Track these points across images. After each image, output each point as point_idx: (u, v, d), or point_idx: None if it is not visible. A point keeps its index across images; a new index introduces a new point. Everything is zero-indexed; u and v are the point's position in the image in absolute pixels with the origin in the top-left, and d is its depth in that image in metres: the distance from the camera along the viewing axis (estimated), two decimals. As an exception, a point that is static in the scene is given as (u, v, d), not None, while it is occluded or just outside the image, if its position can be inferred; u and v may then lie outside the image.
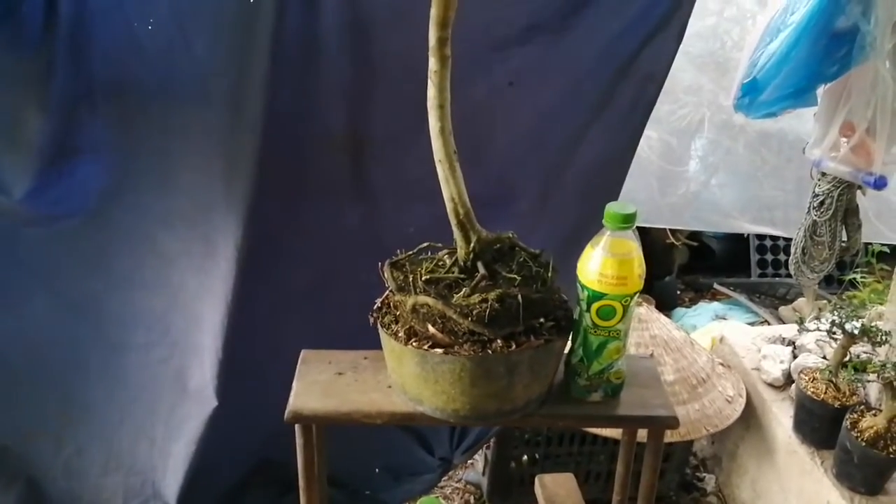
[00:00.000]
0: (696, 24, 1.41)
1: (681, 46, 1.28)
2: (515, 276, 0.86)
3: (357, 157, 1.28)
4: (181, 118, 1.19)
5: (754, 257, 3.09)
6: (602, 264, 0.84)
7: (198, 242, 1.27)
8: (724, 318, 2.66)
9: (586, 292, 0.86)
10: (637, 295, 0.87)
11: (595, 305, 0.85)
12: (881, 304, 1.49)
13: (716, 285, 3.02)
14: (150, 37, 1.12)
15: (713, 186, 2.11)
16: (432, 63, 0.83)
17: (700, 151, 2.04)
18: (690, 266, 3.07)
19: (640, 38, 1.25)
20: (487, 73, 1.24)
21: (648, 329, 1.76)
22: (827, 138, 1.14)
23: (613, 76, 1.28)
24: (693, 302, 2.97)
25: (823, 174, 1.22)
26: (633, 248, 0.85)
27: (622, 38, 1.24)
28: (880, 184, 1.09)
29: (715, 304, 2.86)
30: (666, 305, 2.77)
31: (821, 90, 1.13)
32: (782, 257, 3.11)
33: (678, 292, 3.05)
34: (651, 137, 1.87)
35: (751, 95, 1.14)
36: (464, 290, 0.83)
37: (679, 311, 2.83)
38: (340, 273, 1.34)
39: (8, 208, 1.22)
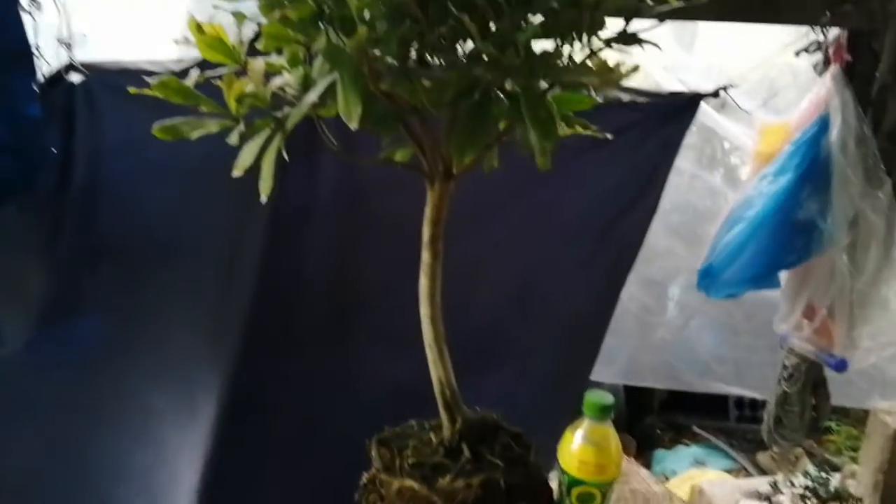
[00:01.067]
0: (671, 195, 1.50)
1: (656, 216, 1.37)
2: (499, 461, 0.90)
3: (343, 310, 1.33)
4: (177, 278, 1.25)
5: (732, 397, 3.13)
6: (581, 451, 0.88)
7: (183, 398, 1.30)
8: (703, 464, 2.68)
9: (566, 477, 0.89)
10: (615, 482, 0.91)
11: (575, 491, 0.89)
12: (856, 451, 1.52)
13: (695, 428, 3.04)
14: (154, 203, 1.20)
15: (691, 329, 2.17)
16: (425, 256, 0.90)
17: (677, 295, 2.11)
18: (670, 403, 3.10)
19: (617, 209, 1.34)
20: (476, 235, 1.31)
21: (629, 483, 1.77)
22: (791, 317, 1.21)
23: (592, 242, 1.37)
24: (673, 443, 2.99)
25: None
26: (612, 435, 0.90)
27: (601, 208, 1.33)
28: (841, 366, 1.15)
29: (694, 448, 2.88)
30: (647, 446, 2.79)
31: (783, 273, 1.21)
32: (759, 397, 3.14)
33: (658, 432, 3.07)
34: (630, 291, 1.94)
35: (706, 280, 1.21)
36: (448, 475, 0.87)
37: (659, 453, 2.84)
38: (323, 424, 1.37)
39: (2, 357, 1.25)
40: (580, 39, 0.73)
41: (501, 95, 0.71)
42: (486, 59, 0.66)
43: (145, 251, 1.23)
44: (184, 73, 1.06)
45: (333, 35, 0.65)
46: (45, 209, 1.17)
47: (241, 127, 0.76)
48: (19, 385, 1.29)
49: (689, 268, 1.86)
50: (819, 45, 1.15)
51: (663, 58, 1.33)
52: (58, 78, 1.06)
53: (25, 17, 1.00)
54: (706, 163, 1.55)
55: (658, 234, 1.74)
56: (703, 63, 1.49)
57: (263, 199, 0.75)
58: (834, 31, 1.14)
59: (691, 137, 1.38)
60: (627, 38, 0.74)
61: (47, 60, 1.05)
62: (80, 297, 1.24)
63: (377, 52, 0.67)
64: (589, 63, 0.75)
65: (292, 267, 1.26)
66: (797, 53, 1.17)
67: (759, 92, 1.38)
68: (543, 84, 0.68)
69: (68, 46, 1.04)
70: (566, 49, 0.71)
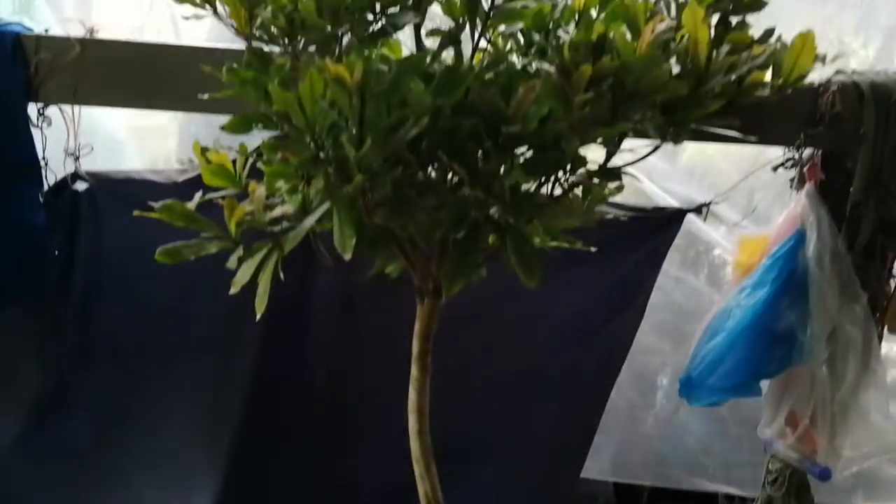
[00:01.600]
0: (657, 295, 1.53)
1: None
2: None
3: (337, 414, 1.35)
4: (172, 378, 1.27)
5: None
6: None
7: (177, 495, 1.31)
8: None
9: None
10: None
11: None
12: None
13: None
14: (152, 306, 1.23)
15: (680, 417, 2.18)
16: (414, 370, 0.93)
17: (666, 385, 2.12)
18: (660, 493, 3.07)
19: (605, 316, 1.37)
20: (463, 339, 1.34)
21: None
22: (775, 424, 1.23)
23: (580, 347, 1.39)
24: (663, 533, 2.96)
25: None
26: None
27: (588, 315, 1.36)
28: (825, 475, 1.17)
29: (684, 539, 2.85)
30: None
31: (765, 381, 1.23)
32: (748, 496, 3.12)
33: (648, 522, 3.04)
34: (618, 386, 1.95)
35: (687, 389, 1.24)
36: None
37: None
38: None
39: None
40: (564, 176, 0.77)
41: (490, 219, 0.76)
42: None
43: (142, 351, 1.25)
44: (187, 185, 1.13)
45: (331, 174, 0.69)
46: (44, 310, 1.19)
47: (240, 251, 0.80)
48: (13, 477, 1.30)
49: (676, 362, 1.89)
50: (795, 162, 1.20)
51: (646, 166, 1.38)
52: (63, 186, 1.10)
53: (35, 131, 1.05)
54: (690, 265, 1.59)
55: (645, 332, 1.76)
56: (687, 172, 1.54)
57: (258, 316, 0.78)
58: (809, 150, 1.19)
59: (675, 240, 1.42)
60: (609, 173, 0.78)
61: (54, 171, 1.09)
62: (76, 392, 1.26)
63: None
64: (574, 195, 0.80)
65: (287, 371, 1.29)
66: (774, 169, 1.22)
67: (741, 202, 1.43)
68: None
69: (76, 158, 1.08)
70: (549, 186, 0.76)
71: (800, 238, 1.16)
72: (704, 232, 1.42)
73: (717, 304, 1.32)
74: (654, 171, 1.45)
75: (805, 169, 1.18)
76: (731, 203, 1.40)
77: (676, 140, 0.71)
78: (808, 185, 1.17)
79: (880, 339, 1.23)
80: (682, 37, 0.64)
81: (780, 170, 1.23)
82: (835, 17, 1.76)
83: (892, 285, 1.22)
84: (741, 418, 1.92)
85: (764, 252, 1.21)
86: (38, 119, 1.04)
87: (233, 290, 0.79)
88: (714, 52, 0.63)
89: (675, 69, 0.69)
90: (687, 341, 1.64)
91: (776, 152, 1.23)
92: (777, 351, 1.16)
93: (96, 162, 1.13)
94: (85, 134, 1.09)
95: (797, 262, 1.16)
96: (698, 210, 1.25)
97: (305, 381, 1.31)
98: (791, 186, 1.22)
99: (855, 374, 1.15)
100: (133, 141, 1.82)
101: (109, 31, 1.08)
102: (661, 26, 0.60)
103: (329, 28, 0.78)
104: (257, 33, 0.80)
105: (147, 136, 1.80)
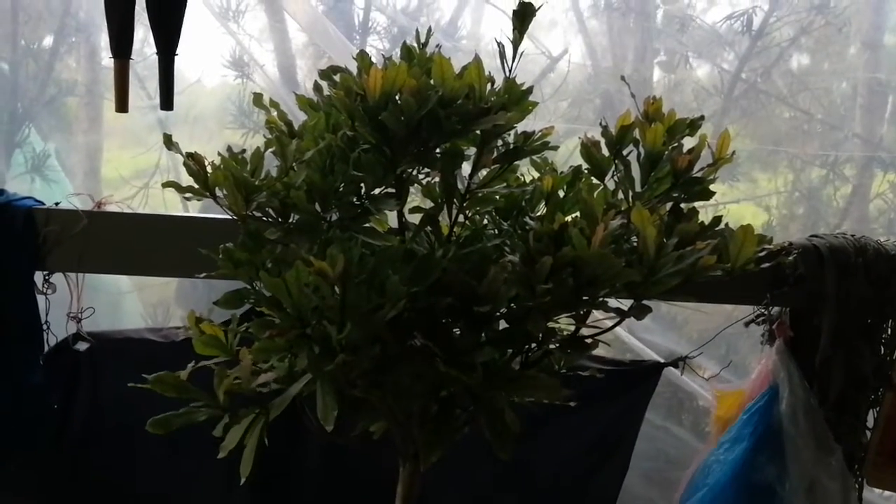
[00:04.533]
0: (642, 444, 1.55)
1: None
2: None
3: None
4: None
5: None
6: None
7: None
8: None
9: None
10: None
11: None
12: None
13: None
14: (145, 458, 1.25)
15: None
16: None
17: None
18: None
19: (587, 470, 1.38)
20: (444, 496, 1.34)
21: None
22: (762, 580, 1.23)
23: (564, 500, 1.40)
24: None
25: None
26: None
27: (570, 470, 1.37)
28: None
29: None
30: None
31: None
32: None
33: None
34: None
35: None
36: None
37: None
38: None
39: None
40: (535, 347, 0.82)
41: (467, 389, 0.80)
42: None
43: (137, 501, 1.27)
44: (183, 344, 1.17)
45: (315, 351, 0.74)
46: (39, 464, 1.21)
47: (226, 419, 0.84)
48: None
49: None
50: (765, 319, 1.25)
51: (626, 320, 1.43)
52: (64, 347, 1.15)
53: (39, 297, 1.10)
54: (673, 414, 1.63)
55: (631, 480, 1.77)
56: (667, 323, 1.60)
57: (242, 480, 0.81)
58: (778, 308, 1.24)
59: (658, 389, 1.46)
60: (579, 345, 0.84)
61: (54, 333, 1.14)
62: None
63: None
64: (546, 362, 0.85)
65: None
66: (746, 325, 1.27)
67: (720, 353, 1.48)
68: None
69: (78, 320, 1.13)
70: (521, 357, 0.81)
71: (773, 393, 1.20)
72: (686, 383, 1.46)
73: (699, 455, 1.34)
74: (633, 324, 1.51)
75: (774, 326, 1.23)
76: (710, 354, 1.45)
77: (638, 317, 0.77)
78: (777, 342, 1.22)
79: (860, 491, 1.25)
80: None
81: (754, 325, 1.28)
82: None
83: (867, 437, 1.25)
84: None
85: (741, 406, 1.25)
86: (43, 286, 1.09)
87: (221, 455, 0.83)
88: (665, 242, 0.70)
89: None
90: (672, 488, 1.65)
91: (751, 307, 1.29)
92: (760, 501, 1.18)
93: (98, 313, 1.18)
94: (90, 282, 1.15)
95: (772, 416, 1.19)
96: (675, 364, 1.29)
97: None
98: (762, 342, 1.27)
99: (835, 529, 1.16)
100: (135, 289, 1.89)
101: (117, 193, 1.16)
102: (614, 223, 0.67)
103: (319, 211, 0.85)
104: (253, 213, 0.87)
105: (148, 283, 1.87)
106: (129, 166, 1.92)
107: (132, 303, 1.90)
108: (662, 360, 1.33)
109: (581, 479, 1.38)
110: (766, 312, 1.25)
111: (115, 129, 1.93)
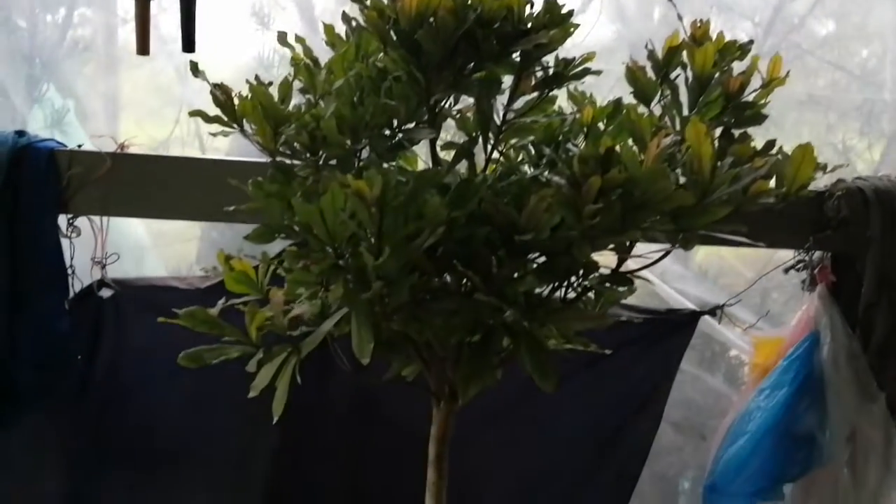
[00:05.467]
0: (674, 393, 1.52)
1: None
2: None
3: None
4: (190, 477, 1.27)
5: None
6: None
7: None
8: None
9: None
10: None
11: None
12: None
13: None
14: (171, 407, 1.24)
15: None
16: (431, 475, 0.92)
17: (688, 489, 2.07)
18: None
19: (620, 420, 1.36)
20: (479, 442, 1.33)
21: None
22: (799, 528, 1.21)
23: (595, 453, 1.37)
24: None
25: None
26: None
27: (603, 420, 1.35)
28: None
29: None
30: None
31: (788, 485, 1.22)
32: None
33: None
34: (640, 489, 1.92)
35: (712, 496, 1.22)
36: None
37: None
38: None
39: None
40: (576, 280, 0.79)
41: (504, 324, 0.77)
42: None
43: (158, 453, 1.26)
44: (208, 291, 1.15)
45: (350, 282, 0.71)
46: (64, 413, 1.20)
47: (260, 354, 0.81)
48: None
49: (697, 463, 1.86)
50: (805, 265, 1.21)
51: (660, 268, 1.39)
52: (89, 293, 1.13)
53: (64, 241, 1.08)
54: (707, 365, 1.60)
55: (663, 430, 1.74)
56: (701, 274, 1.57)
57: (275, 418, 0.79)
58: (819, 253, 1.21)
59: (692, 340, 1.43)
60: (621, 278, 0.80)
61: (80, 278, 1.12)
62: (95, 492, 1.26)
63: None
64: (587, 298, 0.82)
65: (304, 474, 1.28)
66: (786, 271, 1.24)
67: (756, 303, 1.44)
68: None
69: (102, 266, 1.11)
70: (562, 291, 0.78)
71: (814, 339, 1.17)
72: (720, 333, 1.42)
73: (735, 405, 1.32)
74: (667, 274, 1.47)
75: (816, 271, 1.19)
76: (746, 304, 1.42)
77: (686, 246, 0.73)
78: (819, 287, 1.18)
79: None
80: (688, 149, 0.67)
81: (793, 271, 1.25)
82: (839, 124, 1.82)
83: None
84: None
85: (780, 353, 1.22)
86: (67, 230, 1.07)
87: (252, 394, 0.81)
88: (718, 164, 0.66)
89: (683, 179, 0.71)
90: (706, 439, 1.63)
91: (789, 253, 1.25)
92: (798, 454, 1.16)
93: (122, 267, 1.17)
94: (111, 241, 1.13)
95: (813, 363, 1.16)
96: (712, 312, 1.26)
97: (322, 485, 1.30)
98: (803, 288, 1.23)
99: (876, 477, 1.13)
100: (157, 246, 1.87)
101: (136, 146, 1.14)
102: (666, 141, 0.63)
103: (349, 143, 0.82)
104: (281, 149, 0.84)
105: (170, 240, 1.85)
106: (149, 125, 1.89)
107: (154, 260, 1.89)
108: (698, 310, 1.30)
109: (615, 428, 1.35)
110: (807, 258, 1.21)
111: (135, 82, 1.90)
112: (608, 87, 1.38)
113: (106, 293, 1.14)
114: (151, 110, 1.92)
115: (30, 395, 1.13)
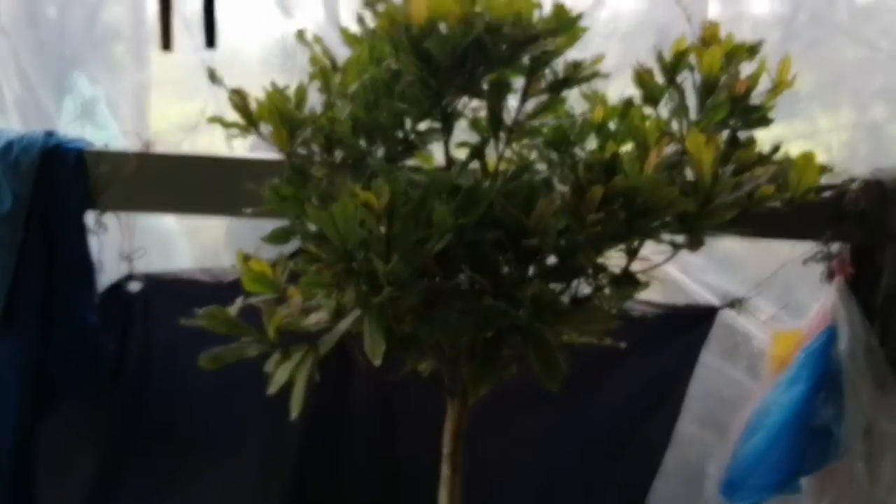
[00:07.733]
0: (696, 385, 1.52)
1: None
2: None
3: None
4: (216, 465, 1.31)
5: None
6: None
7: None
8: None
9: None
10: None
11: None
12: None
13: None
14: (198, 397, 1.27)
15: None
16: (446, 469, 0.95)
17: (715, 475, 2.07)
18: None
19: (639, 416, 1.36)
20: (496, 438, 1.34)
21: None
22: (817, 523, 1.21)
23: (615, 449, 1.38)
24: None
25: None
26: None
27: (621, 416, 1.36)
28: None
29: None
30: None
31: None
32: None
33: None
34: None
35: (729, 490, 1.23)
36: None
37: None
38: None
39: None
40: (586, 281, 0.81)
41: (514, 324, 0.79)
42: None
43: (187, 439, 1.30)
44: (232, 286, 1.18)
45: (362, 286, 0.73)
46: (95, 402, 1.24)
47: (277, 355, 0.84)
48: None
49: (720, 451, 1.86)
50: (824, 256, 1.21)
51: (681, 260, 1.39)
52: (117, 287, 1.16)
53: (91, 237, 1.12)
54: (728, 356, 1.59)
55: (685, 422, 1.74)
56: (722, 264, 1.55)
57: (294, 416, 0.82)
58: (838, 245, 1.20)
59: (713, 331, 1.42)
60: (630, 281, 0.81)
61: (108, 271, 1.16)
62: (124, 477, 1.30)
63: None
64: (598, 297, 0.84)
65: (324, 468, 1.32)
66: (805, 262, 1.23)
67: (777, 293, 1.43)
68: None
69: (129, 260, 1.15)
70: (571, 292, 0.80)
71: (832, 332, 1.17)
72: (741, 324, 1.42)
73: (754, 397, 1.32)
74: (688, 265, 1.47)
75: (834, 263, 1.19)
76: (767, 295, 1.41)
77: (692, 248, 0.74)
78: (837, 280, 1.18)
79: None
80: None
81: (813, 263, 1.24)
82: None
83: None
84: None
85: (798, 346, 1.21)
86: (95, 226, 1.11)
87: (271, 391, 0.83)
88: (720, 171, 0.67)
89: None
90: (728, 430, 1.62)
91: (810, 245, 1.24)
92: (815, 447, 1.16)
93: (149, 256, 1.20)
94: (139, 231, 1.17)
95: (830, 357, 1.16)
96: (731, 306, 1.26)
97: (342, 480, 1.33)
98: (821, 281, 1.23)
99: (892, 472, 1.13)
100: (184, 235, 1.91)
101: (164, 138, 1.16)
102: (668, 149, 0.64)
103: (364, 145, 0.84)
104: (297, 150, 0.86)
105: (197, 229, 1.88)
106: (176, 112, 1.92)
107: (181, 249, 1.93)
108: (717, 304, 1.30)
109: (633, 424, 1.36)
110: (825, 249, 1.20)
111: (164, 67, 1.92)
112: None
113: (134, 287, 1.17)
114: (181, 95, 1.94)
115: (63, 385, 1.17)
